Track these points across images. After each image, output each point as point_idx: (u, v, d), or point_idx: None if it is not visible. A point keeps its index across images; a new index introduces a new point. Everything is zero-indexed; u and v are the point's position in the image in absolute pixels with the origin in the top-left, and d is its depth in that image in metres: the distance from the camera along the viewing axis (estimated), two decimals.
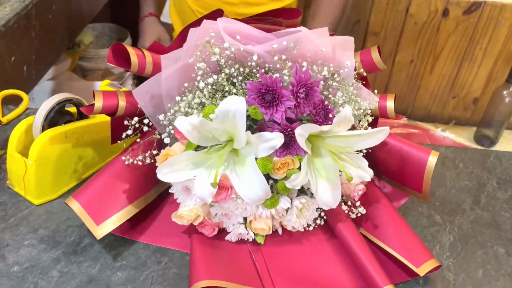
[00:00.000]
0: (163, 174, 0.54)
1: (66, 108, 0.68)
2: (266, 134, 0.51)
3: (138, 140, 0.59)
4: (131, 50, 0.59)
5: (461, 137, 1.68)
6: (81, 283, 0.56)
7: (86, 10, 1.62)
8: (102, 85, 0.74)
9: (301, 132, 0.51)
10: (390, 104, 0.64)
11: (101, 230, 0.57)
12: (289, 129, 0.53)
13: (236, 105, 0.50)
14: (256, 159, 0.53)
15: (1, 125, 0.79)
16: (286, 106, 0.52)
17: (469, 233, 0.66)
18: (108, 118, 0.68)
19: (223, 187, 0.54)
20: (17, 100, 0.85)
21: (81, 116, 0.70)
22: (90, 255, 0.59)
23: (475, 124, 1.72)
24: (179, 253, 0.60)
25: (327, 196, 0.55)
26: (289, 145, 0.53)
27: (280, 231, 0.61)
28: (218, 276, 0.53)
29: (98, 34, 2.18)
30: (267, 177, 0.55)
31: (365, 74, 0.63)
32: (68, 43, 1.57)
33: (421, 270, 0.55)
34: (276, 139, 0.51)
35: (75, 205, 0.57)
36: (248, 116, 0.53)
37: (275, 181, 0.56)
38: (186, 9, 1.36)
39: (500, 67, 1.58)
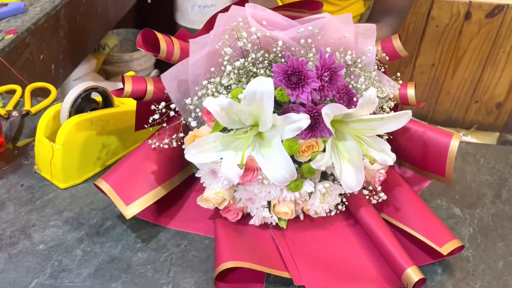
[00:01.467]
0: (190, 155, 0.55)
1: (92, 97, 0.70)
2: (292, 115, 0.52)
3: (164, 125, 0.60)
4: (160, 36, 0.61)
5: (483, 142, 1.65)
6: (103, 262, 0.58)
7: (111, 13, 1.66)
8: (126, 76, 0.76)
9: (327, 112, 0.52)
10: (410, 91, 0.65)
11: (131, 210, 0.58)
12: (315, 110, 0.53)
13: (264, 86, 0.51)
14: (281, 141, 0.53)
15: (30, 115, 0.82)
16: (312, 87, 0.53)
17: (490, 226, 0.65)
18: (133, 108, 0.71)
19: (249, 169, 0.55)
20: (45, 94, 0.89)
21: (106, 104, 0.72)
22: (112, 237, 0.61)
23: (498, 129, 1.69)
24: (198, 236, 0.61)
25: (351, 179, 0.56)
26: (314, 127, 0.54)
27: (301, 216, 0.62)
28: (243, 258, 0.54)
29: (122, 39, 2.23)
30: (292, 160, 0.55)
31: (387, 59, 0.64)
32: (94, 45, 1.62)
33: (444, 250, 0.55)
34: (302, 120, 0.52)
35: (104, 186, 0.59)
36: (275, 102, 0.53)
37: (299, 164, 0.56)
38: None
39: None
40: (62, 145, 0.65)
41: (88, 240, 0.60)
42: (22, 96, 0.86)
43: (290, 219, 0.61)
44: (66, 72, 1.38)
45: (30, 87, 0.87)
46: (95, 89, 0.69)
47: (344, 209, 0.62)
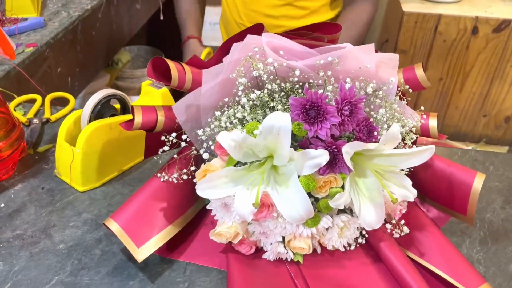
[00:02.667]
0: (202, 190, 0.53)
1: (111, 104, 0.73)
2: (311, 151, 0.50)
3: (175, 156, 0.58)
4: (171, 65, 0.59)
5: None
6: (121, 261, 0.59)
7: (126, 29, 1.71)
8: (144, 85, 0.79)
9: (348, 150, 0.50)
10: (433, 123, 0.63)
11: (142, 253, 0.55)
12: (334, 146, 0.51)
13: (281, 121, 0.49)
14: (298, 176, 0.51)
15: (50, 123, 0.85)
16: (331, 123, 0.51)
17: (500, 230, 0.66)
18: None
19: (263, 205, 0.53)
20: (63, 104, 0.92)
21: (124, 111, 0.75)
22: None
23: (507, 143, 1.70)
24: None
25: (370, 216, 0.54)
26: (333, 163, 0.52)
27: (319, 250, 0.59)
28: None
29: (134, 56, 2.28)
30: (308, 195, 0.52)
31: (410, 91, 0.62)
32: (108, 59, 1.66)
33: None
34: (322, 156, 0.50)
35: (114, 226, 0.56)
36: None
37: (316, 199, 0.55)
38: (231, 21, 1.42)
39: None
40: (82, 148, 0.67)
41: (107, 240, 0.62)
42: (42, 105, 0.89)
43: (307, 254, 0.58)
44: (81, 85, 1.42)
45: (49, 96, 0.91)
46: (114, 96, 0.72)
47: (364, 242, 0.60)
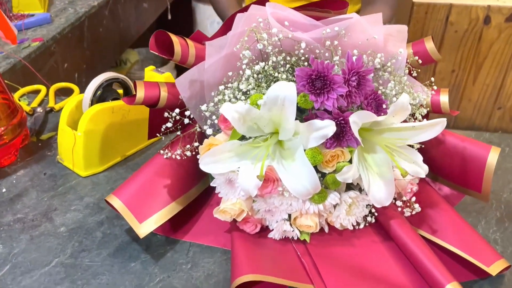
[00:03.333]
0: (205, 165, 0.52)
1: (113, 88, 0.72)
2: (317, 122, 0.48)
3: (178, 133, 0.57)
4: (174, 39, 0.57)
5: None
6: (123, 243, 0.58)
7: (133, 28, 1.71)
8: (147, 70, 0.78)
9: (355, 120, 0.48)
10: (444, 98, 0.61)
11: (144, 228, 0.54)
12: (341, 118, 0.50)
13: (286, 91, 0.47)
14: (304, 150, 0.49)
15: (54, 112, 0.84)
16: (338, 94, 0.48)
17: None
18: None
19: (268, 180, 0.51)
20: (68, 95, 0.91)
21: (126, 95, 0.73)
22: None
23: None
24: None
25: (380, 192, 0.52)
26: (340, 136, 0.50)
27: (326, 229, 0.57)
28: (263, 270, 0.49)
29: (143, 58, 2.29)
30: (316, 171, 0.50)
31: (419, 61, 0.60)
32: (115, 57, 1.67)
33: (492, 270, 0.50)
34: (328, 127, 0.48)
35: (116, 202, 0.54)
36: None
37: (323, 175, 0.53)
38: None
39: None
40: (84, 132, 0.66)
41: (108, 223, 0.61)
42: (47, 95, 0.89)
43: (314, 233, 0.56)
44: (88, 81, 1.42)
45: (54, 86, 0.90)
46: (116, 79, 0.71)
47: (373, 221, 0.57)
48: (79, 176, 0.69)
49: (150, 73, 0.77)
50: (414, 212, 0.56)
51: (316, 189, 0.50)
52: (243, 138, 0.53)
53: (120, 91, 0.75)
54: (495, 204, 0.64)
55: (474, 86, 1.61)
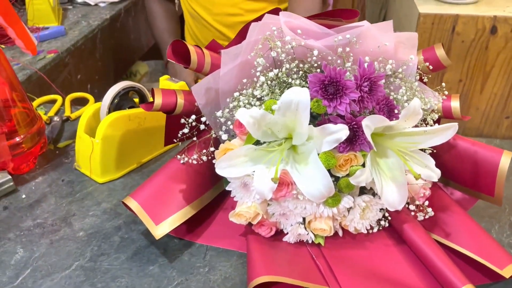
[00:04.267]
0: (221, 169, 0.52)
1: (130, 97, 0.74)
2: (330, 126, 0.49)
3: (194, 139, 0.58)
4: (191, 48, 0.59)
5: None
6: (140, 247, 0.59)
7: (143, 40, 1.74)
8: (162, 80, 0.80)
9: (368, 124, 0.49)
10: (455, 104, 0.62)
11: (160, 230, 0.55)
12: (354, 122, 0.51)
13: (299, 96, 0.49)
14: (317, 154, 0.50)
15: (70, 121, 0.86)
16: (351, 99, 0.50)
17: None
18: None
19: (283, 183, 0.52)
20: (84, 105, 0.93)
21: (142, 103, 0.75)
22: None
23: None
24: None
25: (393, 196, 0.52)
26: (353, 140, 0.51)
27: (340, 233, 0.58)
28: (279, 272, 0.50)
29: (152, 70, 2.32)
30: (329, 175, 0.51)
31: (430, 67, 0.61)
32: (126, 69, 1.69)
33: (506, 272, 0.50)
34: (341, 131, 0.49)
35: (133, 204, 0.56)
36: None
37: (337, 179, 0.54)
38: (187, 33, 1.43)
39: None
40: (102, 139, 0.67)
41: (126, 228, 0.62)
42: (63, 105, 0.91)
43: (329, 236, 0.57)
44: (101, 92, 1.44)
45: (70, 96, 0.92)
46: (132, 88, 0.73)
47: (387, 225, 0.57)
48: (96, 183, 0.70)
49: (165, 82, 0.79)
50: (427, 216, 0.56)
51: (330, 192, 0.51)
52: (257, 143, 0.54)
53: (136, 99, 0.76)
54: (508, 209, 0.65)
55: (481, 95, 1.61)
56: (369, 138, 0.50)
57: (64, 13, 1.40)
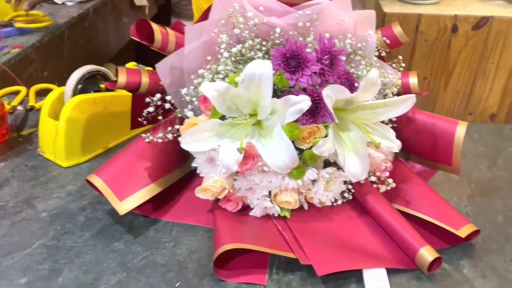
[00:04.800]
0: (186, 143, 0.53)
1: (96, 84, 0.73)
2: (292, 97, 0.50)
3: (159, 117, 0.57)
4: (155, 27, 0.61)
5: None
6: (105, 225, 0.58)
7: (113, 41, 1.73)
8: (128, 66, 0.79)
9: (329, 93, 0.50)
10: (413, 80, 0.64)
11: (124, 206, 0.55)
12: (315, 94, 0.52)
13: (262, 68, 0.49)
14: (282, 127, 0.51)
15: (35, 110, 0.85)
16: (312, 71, 0.51)
17: (487, 188, 0.66)
18: None
19: (248, 156, 0.52)
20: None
21: (108, 89, 0.75)
22: None
23: None
24: None
25: (355, 167, 0.54)
26: (315, 112, 0.52)
27: (305, 206, 0.59)
28: (244, 241, 0.51)
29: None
30: (293, 146, 0.52)
31: (388, 42, 0.63)
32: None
33: (462, 232, 0.52)
34: (303, 101, 0.50)
35: (97, 181, 0.56)
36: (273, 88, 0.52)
37: (301, 151, 0.54)
38: None
39: None
40: (66, 121, 0.67)
41: (91, 208, 0.61)
42: (27, 96, 0.89)
43: (294, 209, 0.58)
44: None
45: (34, 87, 0.91)
46: (97, 72, 0.72)
47: (350, 197, 0.59)
48: (61, 167, 0.69)
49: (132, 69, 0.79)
50: (389, 188, 0.58)
51: (294, 163, 0.52)
52: (223, 118, 0.54)
53: (102, 86, 0.76)
54: (466, 183, 0.67)
55: (446, 93, 1.67)
56: (331, 109, 0.52)
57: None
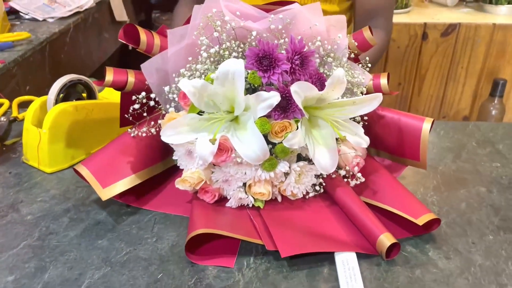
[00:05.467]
0: (167, 136, 0.56)
1: (77, 90, 0.76)
2: (263, 93, 0.54)
3: (144, 114, 0.62)
4: (141, 30, 0.65)
5: None
6: (89, 225, 0.60)
7: (95, 56, 1.76)
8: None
9: (296, 90, 0.54)
10: (383, 81, 0.68)
11: (107, 192, 0.60)
12: (286, 91, 0.56)
13: (234, 66, 0.53)
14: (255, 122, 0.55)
15: (18, 121, 0.87)
16: (282, 69, 0.55)
17: (452, 178, 0.70)
18: (115, 100, 0.76)
19: (223, 149, 0.56)
20: None
21: (90, 97, 0.78)
22: (98, 205, 0.64)
23: None
24: None
25: (325, 159, 0.57)
26: (286, 108, 0.56)
27: (279, 198, 0.62)
28: (216, 227, 0.55)
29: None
30: (267, 142, 0.56)
31: (356, 45, 0.67)
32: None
33: (420, 221, 0.56)
34: (273, 97, 0.53)
35: (83, 170, 0.61)
36: (249, 87, 0.57)
37: (274, 145, 0.58)
38: None
39: (484, 84, 1.68)
40: (49, 128, 0.69)
41: (75, 209, 0.63)
42: (10, 108, 0.91)
43: (268, 202, 0.62)
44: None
45: (17, 100, 0.93)
46: (79, 81, 0.75)
47: (321, 190, 0.63)
48: (44, 173, 0.71)
49: None
50: (358, 182, 0.62)
51: (265, 154, 0.55)
52: (202, 113, 0.58)
53: (84, 94, 0.79)
54: (432, 175, 0.71)
55: (419, 97, 1.73)
56: (300, 105, 0.55)
57: (12, 28, 1.40)
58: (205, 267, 0.53)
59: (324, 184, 0.62)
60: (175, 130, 0.56)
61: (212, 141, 0.53)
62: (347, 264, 0.53)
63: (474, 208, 0.64)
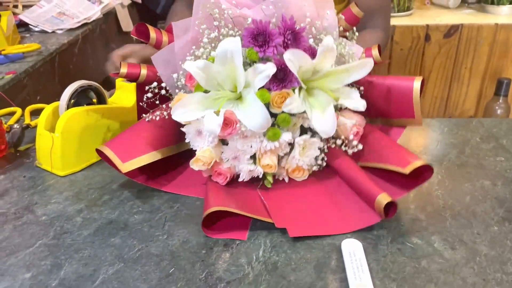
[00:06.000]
0: (177, 115, 0.61)
1: (87, 95, 0.78)
2: (259, 65, 0.59)
3: (157, 102, 0.68)
4: (151, 28, 0.72)
5: None
6: (102, 224, 0.62)
7: (102, 66, 1.79)
8: (118, 81, 0.85)
9: (290, 57, 0.58)
10: (375, 52, 0.73)
11: (126, 166, 0.65)
12: (282, 63, 0.61)
13: (232, 44, 0.58)
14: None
15: (30, 128, 0.89)
16: (276, 43, 0.61)
17: (456, 173, 0.71)
18: (124, 105, 0.79)
19: (229, 123, 0.61)
20: None
21: (100, 102, 0.80)
22: (109, 206, 0.66)
23: None
24: (190, 199, 0.66)
25: (325, 123, 0.62)
26: (283, 79, 0.61)
27: (286, 179, 0.68)
28: (229, 205, 0.59)
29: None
30: (269, 114, 0.60)
31: (343, 18, 0.73)
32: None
33: (407, 169, 0.58)
34: (269, 68, 0.58)
35: (105, 149, 0.66)
36: (249, 64, 0.62)
37: (276, 116, 0.62)
38: None
39: (488, 83, 1.68)
40: (61, 133, 0.71)
41: (87, 210, 0.65)
42: (22, 116, 0.94)
43: (275, 183, 0.67)
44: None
45: (29, 107, 0.95)
46: (89, 87, 0.77)
47: (324, 164, 0.68)
48: (57, 176, 0.73)
49: (121, 83, 0.84)
50: (355, 150, 0.66)
51: (268, 122, 0.59)
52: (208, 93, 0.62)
53: (94, 100, 0.81)
54: (436, 169, 0.72)
55: (424, 99, 1.74)
56: (295, 73, 0.59)
57: (22, 40, 1.44)
58: (215, 261, 0.55)
59: (325, 158, 0.67)
60: (184, 108, 0.61)
61: (216, 113, 0.57)
62: (354, 255, 0.54)
63: (478, 201, 0.65)
